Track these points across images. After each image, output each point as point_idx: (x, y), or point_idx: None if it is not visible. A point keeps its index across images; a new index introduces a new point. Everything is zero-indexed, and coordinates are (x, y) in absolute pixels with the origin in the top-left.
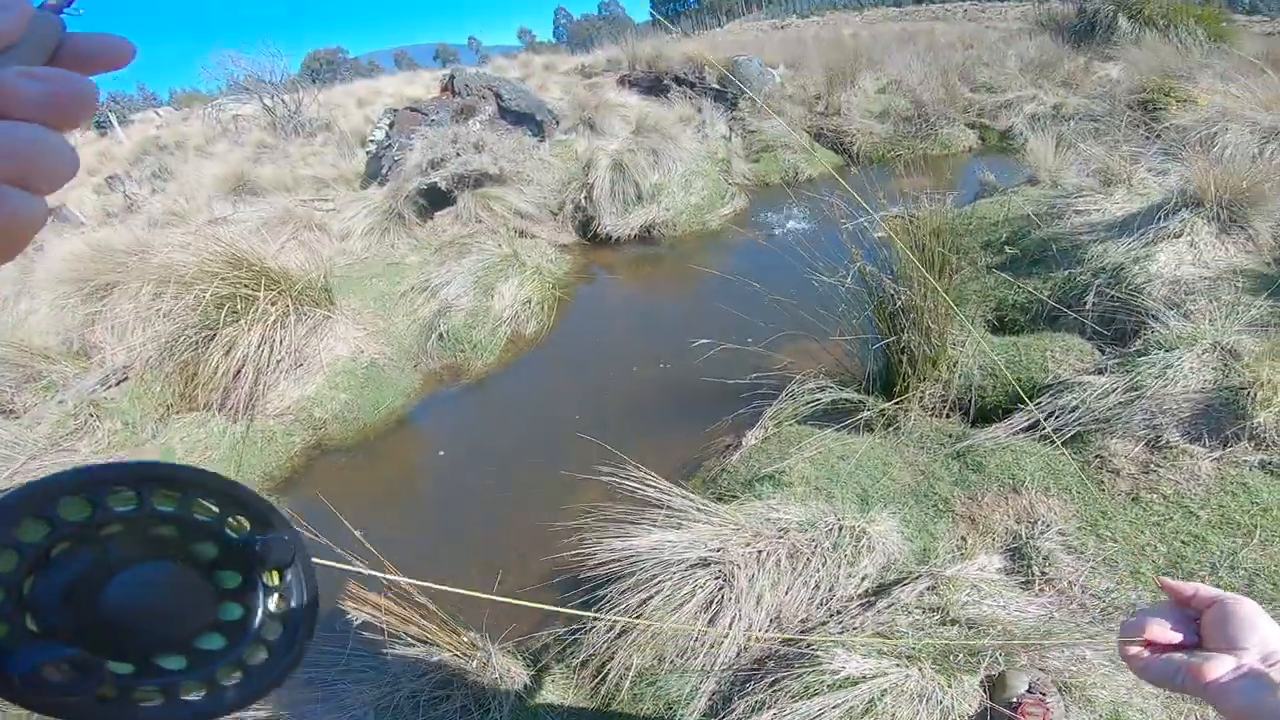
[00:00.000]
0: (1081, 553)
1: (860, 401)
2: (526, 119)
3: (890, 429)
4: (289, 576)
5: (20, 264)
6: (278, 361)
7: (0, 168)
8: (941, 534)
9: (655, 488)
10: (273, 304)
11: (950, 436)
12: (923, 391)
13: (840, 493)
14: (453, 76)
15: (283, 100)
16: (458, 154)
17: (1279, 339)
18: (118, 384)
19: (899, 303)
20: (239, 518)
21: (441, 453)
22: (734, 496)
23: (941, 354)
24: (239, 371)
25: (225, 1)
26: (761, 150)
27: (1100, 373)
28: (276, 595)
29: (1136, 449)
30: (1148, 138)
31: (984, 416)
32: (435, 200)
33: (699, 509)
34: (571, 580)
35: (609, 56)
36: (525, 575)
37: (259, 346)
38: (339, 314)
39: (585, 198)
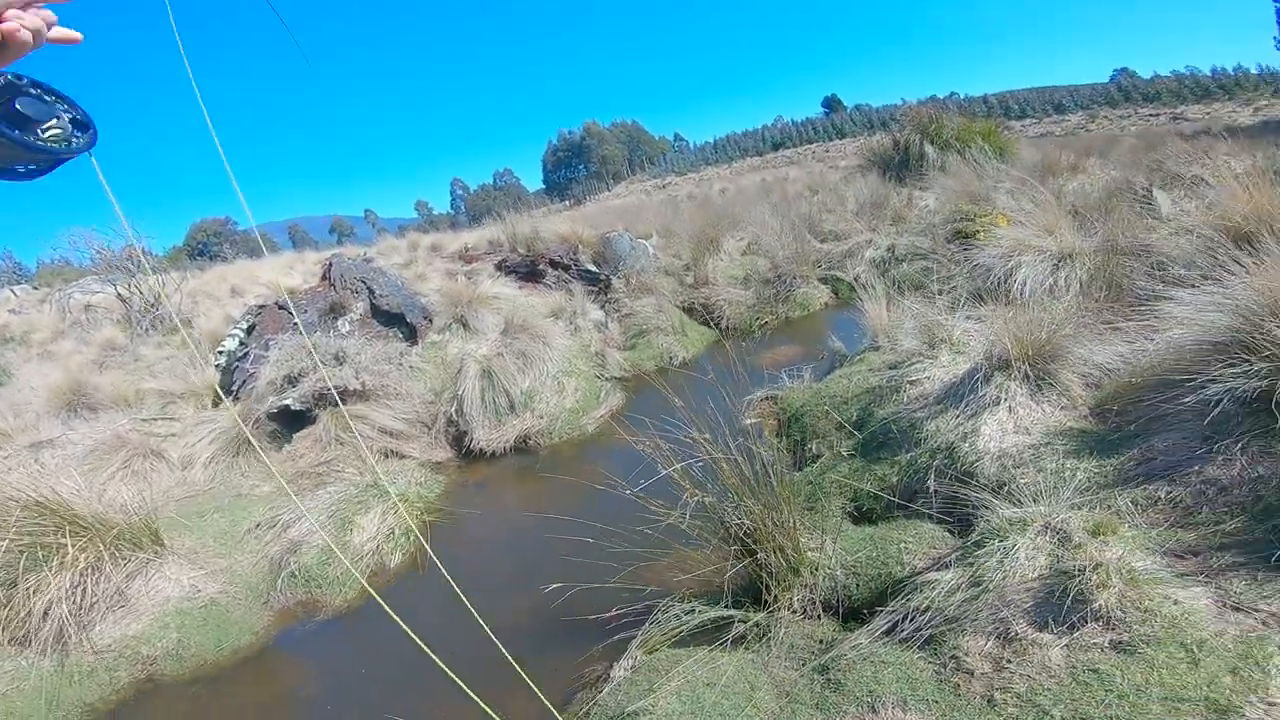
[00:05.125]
0: None
1: (730, 617)
2: (397, 319)
3: (763, 640)
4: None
5: None
6: (93, 604)
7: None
8: None
9: None
10: (82, 551)
11: (820, 643)
12: (791, 598)
13: None
14: (330, 265)
15: (139, 290)
16: (316, 367)
17: (1103, 513)
18: None
19: (742, 529)
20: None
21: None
22: None
23: (800, 561)
24: (46, 613)
25: (126, 153)
26: (636, 335)
27: (945, 568)
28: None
29: (988, 645)
30: (960, 282)
31: (854, 614)
32: (293, 420)
33: None
34: None
35: (491, 236)
36: None
37: (70, 592)
38: (169, 555)
39: (456, 411)
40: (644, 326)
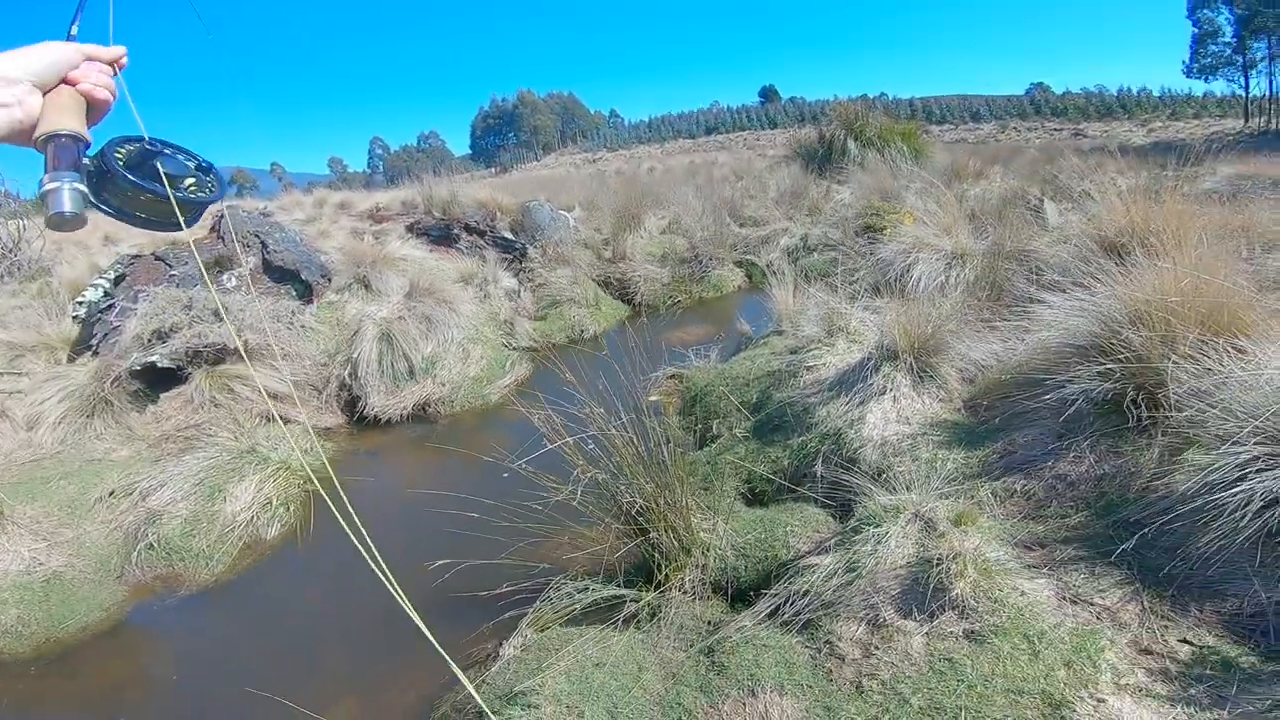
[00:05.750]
0: None
1: (622, 597)
2: (292, 276)
3: (654, 620)
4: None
5: None
6: None
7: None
8: None
9: None
10: None
11: (708, 624)
12: (682, 578)
13: (590, 711)
14: (221, 217)
15: None
16: (191, 323)
17: (966, 503)
18: None
19: (635, 508)
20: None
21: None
22: (494, 714)
23: (692, 541)
24: None
25: None
26: (549, 306)
27: (825, 552)
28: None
29: (859, 631)
30: (863, 274)
31: (742, 595)
32: (161, 380)
33: None
34: None
35: (406, 198)
36: None
37: None
38: (8, 524)
39: (350, 374)
40: (557, 297)
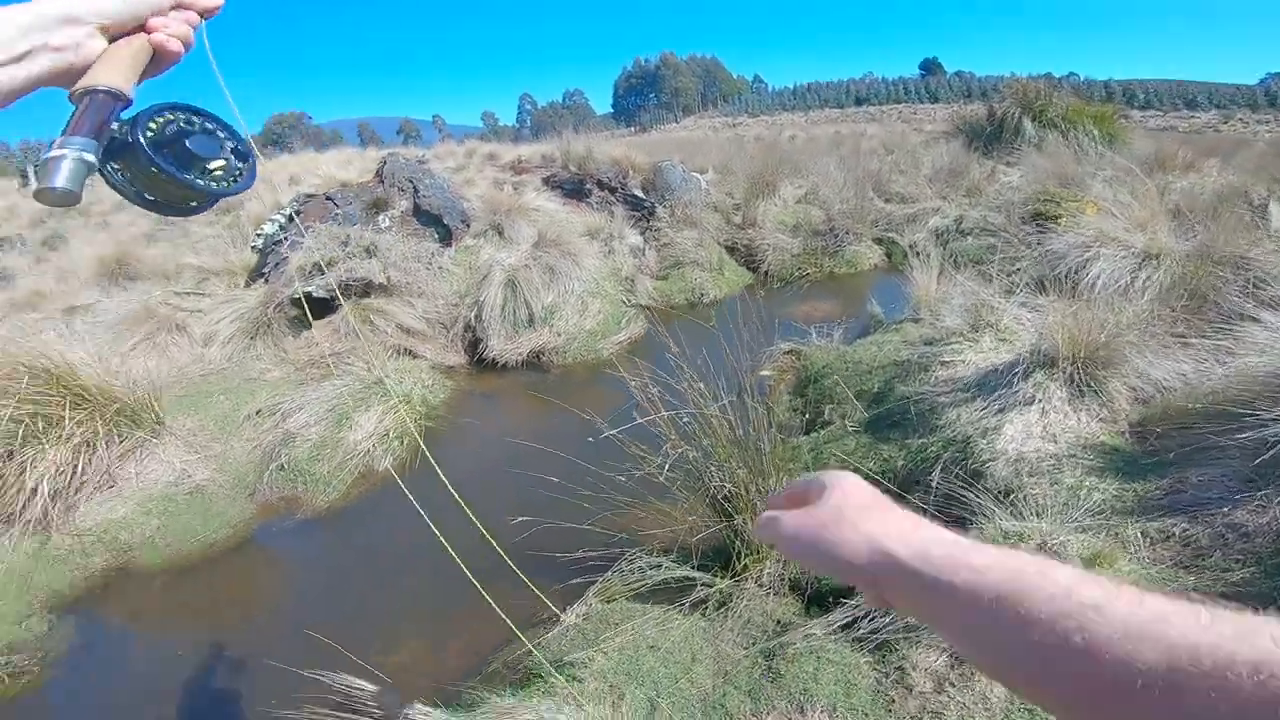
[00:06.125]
0: None
1: (693, 579)
2: (435, 220)
3: (722, 609)
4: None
5: None
6: (82, 483)
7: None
8: None
9: None
10: (79, 425)
11: (776, 623)
12: (760, 570)
13: (632, 695)
14: (385, 162)
15: None
16: (346, 258)
17: (1107, 540)
18: None
19: (724, 493)
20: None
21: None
22: (539, 678)
23: None
24: (35, 489)
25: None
26: (672, 266)
27: None
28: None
29: (938, 662)
30: (1025, 266)
31: (819, 599)
32: (318, 308)
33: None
34: None
35: (546, 152)
36: None
37: (62, 469)
38: (168, 435)
39: (475, 316)
40: (681, 259)
